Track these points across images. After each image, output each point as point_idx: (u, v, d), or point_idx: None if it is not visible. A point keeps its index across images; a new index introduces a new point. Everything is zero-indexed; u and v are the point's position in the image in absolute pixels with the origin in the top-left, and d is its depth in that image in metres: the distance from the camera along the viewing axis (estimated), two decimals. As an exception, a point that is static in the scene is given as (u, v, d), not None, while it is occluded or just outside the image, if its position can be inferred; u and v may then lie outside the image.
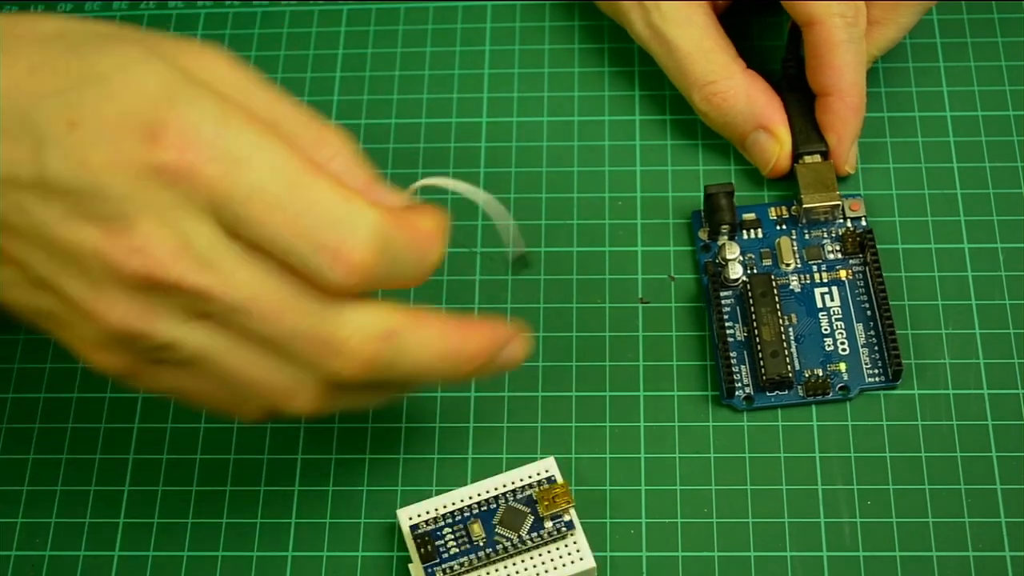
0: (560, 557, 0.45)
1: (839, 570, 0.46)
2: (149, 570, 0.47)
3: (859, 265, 0.50)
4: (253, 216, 0.37)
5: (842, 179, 0.53)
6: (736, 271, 0.50)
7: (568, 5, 0.58)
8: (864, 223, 0.51)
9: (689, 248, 0.52)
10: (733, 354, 0.49)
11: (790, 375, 0.48)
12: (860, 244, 0.50)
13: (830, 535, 0.46)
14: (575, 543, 0.45)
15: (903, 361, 0.48)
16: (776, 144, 0.52)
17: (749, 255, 0.51)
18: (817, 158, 0.52)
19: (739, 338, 0.49)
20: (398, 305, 0.40)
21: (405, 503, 0.47)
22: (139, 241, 0.37)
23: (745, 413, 0.49)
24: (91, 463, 0.49)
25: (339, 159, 0.40)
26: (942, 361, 0.49)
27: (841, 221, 0.51)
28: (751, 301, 0.49)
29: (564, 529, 0.45)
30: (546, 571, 0.45)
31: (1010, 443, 0.47)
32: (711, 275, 0.50)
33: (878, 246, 0.50)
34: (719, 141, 0.54)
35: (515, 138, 0.55)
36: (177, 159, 0.36)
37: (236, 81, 0.39)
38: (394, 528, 0.47)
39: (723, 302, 0.50)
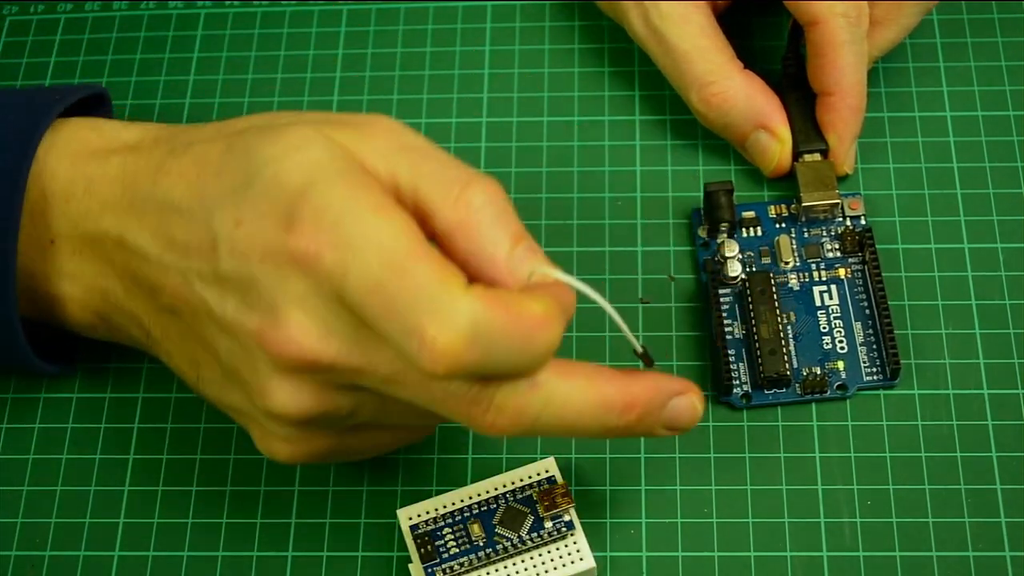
0: (560, 557, 0.45)
1: (839, 570, 0.46)
2: (149, 570, 0.47)
3: (858, 264, 0.50)
4: (358, 300, 0.38)
5: (842, 178, 0.53)
6: (735, 269, 0.50)
7: (568, 5, 0.58)
8: (863, 222, 0.51)
9: (689, 248, 0.52)
10: (731, 352, 0.49)
11: (788, 373, 0.48)
12: (859, 243, 0.50)
13: (830, 535, 0.46)
14: (575, 543, 0.45)
15: (902, 361, 0.48)
16: (777, 144, 0.52)
17: (748, 253, 0.51)
18: (817, 157, 0.52)
19: (737, 336, 0.49)
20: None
21: (405, 503, 0.47)
22: (288, 333, 0.39)
23: (745, 412, 0.49)
24: (91, 463, 0.49)
25: (485, 211, 0.40)
26: (942, 361, 0.49)
27: (840, 220, 0.51)
28: (749, 299, 0.49)
29: (564, 529, 0.45)
30: (546, 571, 0.45)
31: (1010, 443, 0.47)
32: (710, 273, 0.50)
33: (878, 246, 0.50)
34: (719, 141, 0.54)
35: (515, 138, 0.55)
36: (306, 246, 0.38)
37: (390, 150, 0.41)
38: (394, 528, 0.47)
39: (722, 300, 0.50)
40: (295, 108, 0.56)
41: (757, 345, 0.48)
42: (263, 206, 0.39)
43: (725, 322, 0.49)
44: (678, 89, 0.53)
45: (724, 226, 0.51)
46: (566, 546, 0.45)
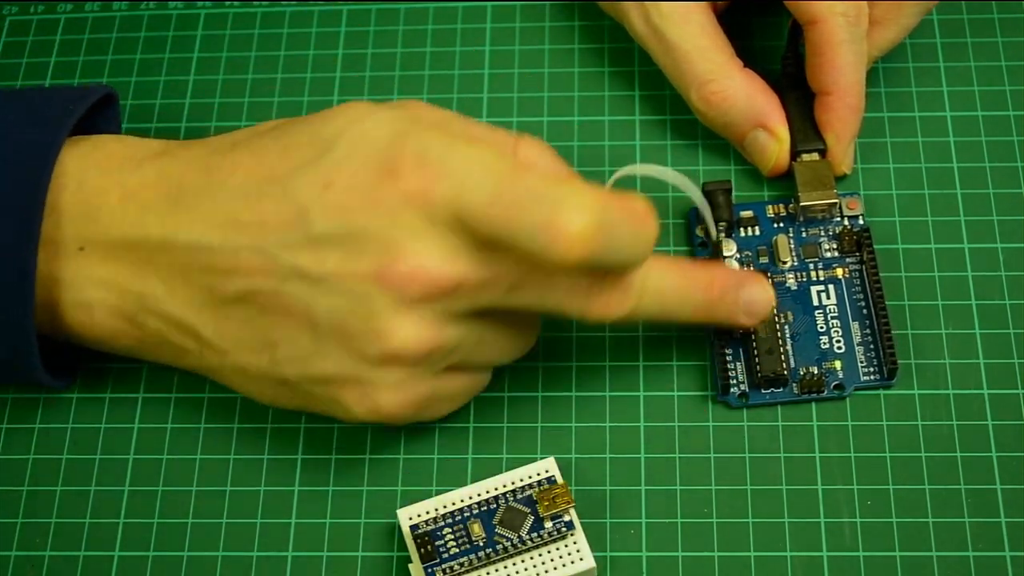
0: (560, 557, 0.45)
1: (839, 570, 0.46)
2: (149, 570, 0.47)
3: (856, 264, 0.50)
4: (481, 216, 0.41)
5: (841, 178, 0.53)
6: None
7: (568, 5, 0.58)
8: (861, 221, 0.51)
9: (688, 248, 0.52)
10: (729, 351, 0.49)
11: (785, 373, 0.48)
12: (857, 243, 0.50)
13: (830, 535, 0.46)
14: (575, 543, 0.45)
15: (901, 361, 0.48)
16: (776, 143, 0.52)
17: (746, 253, 0.51)
18: (815, 156, 0.52)
19: (735, 335, 0.49)
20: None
21: (405, 503, 0.47)
22: (413, 261, 0.42)
23: (745, 412, 0.49)
24: (91, 463, 0.49)
25: (541, 161, 0.45)
26: (942, 361, 0.49)
27: (838, 219, 0.51)
28: None
29: (564, 529, 0.45)
30: (546, 571, 0.45)
31: (1010, 443, 0.47)
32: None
33: (878, 246, 0.50)
34: (719, 141, 0.54)
35: (515, 138, 0.55)
36: (416, 185, 0.41)
37: (439, 116, 0.45)
38: (394, 528, 0.47)
39: None
40: (295, 108, 0.56)
41: (754, 345, 0.48)
42: (353, 165, 0.42)
43: None
44: (678, 88, 0.53)
45: (722, 225, 0.51)
46: (566, 546, 0.45)
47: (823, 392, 0.48)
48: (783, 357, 0.48)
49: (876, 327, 0.49)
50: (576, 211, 0.41)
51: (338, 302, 0.42)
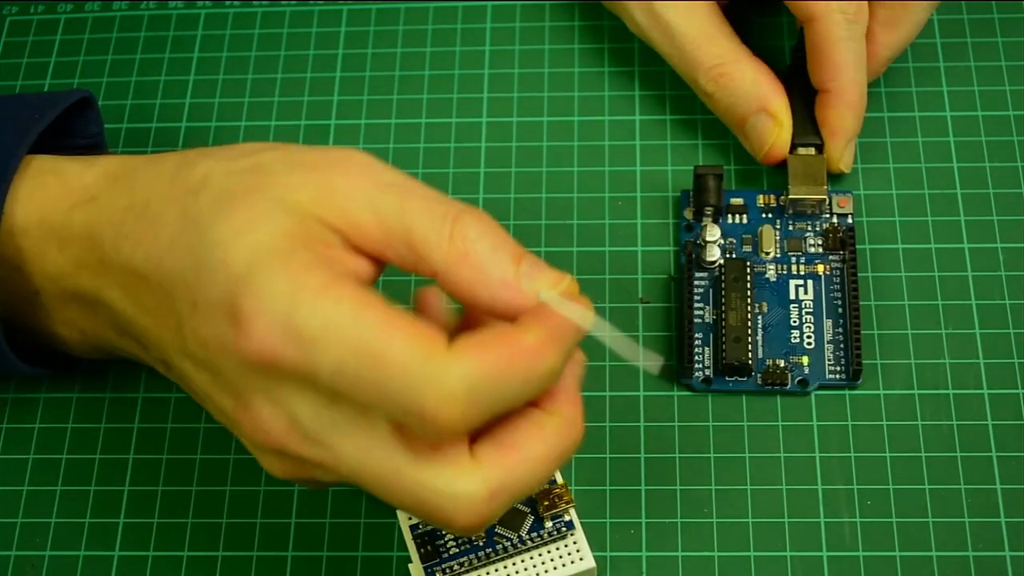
0: (560, 557, 0.45)
1: (839, 570, 0.46)
2: (149, 570, 0.47)
3: (838, 262, 0.50)
4: (341, 387, 0.37)
5: (840, 177, 0.53)
6: (713, 253, 0.50)
7: (568, 5, 0.58)
8: (850, 220, 0.51)
9: (675, 221, 0.52)
10: (698, 335, 0.49)
11: (749, 362, 0.48)
12: (841, 241, 0.50)
13: (830, 535, 0.46)
14: (575, 543, 0.45)
15: (899, 361, 0.48)
16: (776, 127, 0.51)
17: (731, 240, 0.51)
18: (811, 151, 0.51)
19: (707, 320, 0.49)
20: (498, 446, 0.39)
21: (405, 503, 0.47)
22: (258, 419, 0.39)
23: (745, 412, 0.49)
24: (91, 463, 0.49)
25: (478, 246, 0.39)
26: (942, 361, 0.49)
27: (827, 216, 0.51)
28: (723, 285, 0.49)
29: (564, 529, 0.45)
30: (546, 571, 0.45)
31: (1010, 443, 0.47)
32: (688, 254, 0.50)
33: (877, 245, 0.50)
34: (719, 141, 0.54)
35: (515, 138, 0.55)
36: (258, 348, 0.38)
37: (371, 189, 0.40)
38: (394, 528, 0.47)
39: (696, 283, 0.50)
40: (295, 107, 0.56)
41: (723, 332, 0.48)
42: (213, 293, 0.39)
43: (696, 306, 0.50)
44: (684, 75, 0.53)
45: (709, 210, 0.51)
46: (566, 546, 0.45)
47: (786, 386, 0.48)
48: (750, 347, 0.48)
49: (848, 327, 0.49)
50: (443, 395, 0.36)
51: (215, 411, 0.42)
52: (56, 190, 0.44)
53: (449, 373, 0.37)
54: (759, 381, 0.48)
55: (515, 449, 0.39)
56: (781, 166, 0.52)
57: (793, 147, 0.52)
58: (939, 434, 0.48)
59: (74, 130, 0.49)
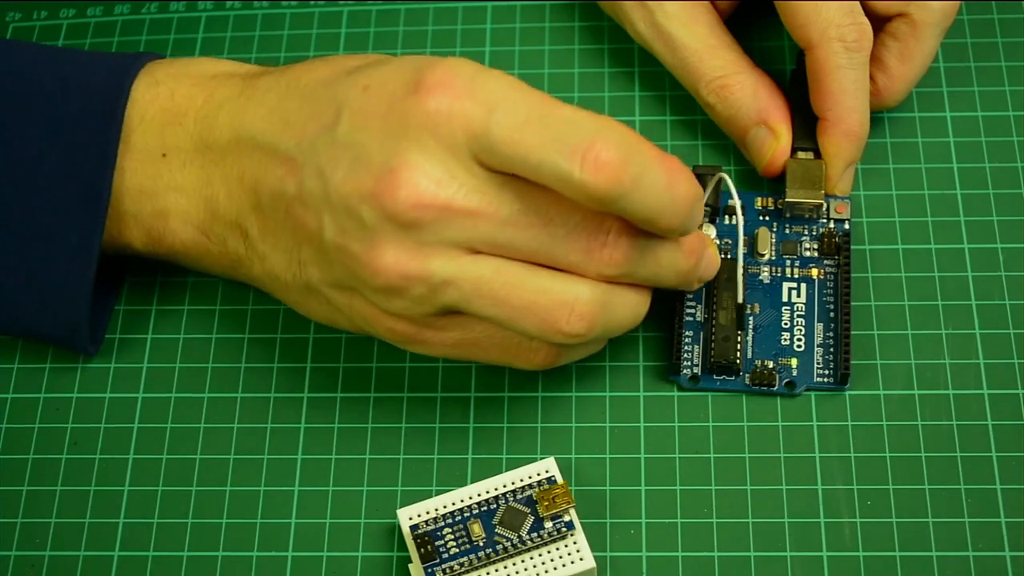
0: (560, 557, 0.45)
1: (839, 570, 0.46)
2: (149, 570, 0.47)
3: (833, 267, 0.50)
4: (507, 139, 0.41)
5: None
6: None
7: (568, 6, 0.58)
8: (847, 226, 0.51)
9: None
10: (688, 333, 0.49)
11: (737, 362, 0.48)
12: (837, 246, 0.50)
13: (830, 535, 0.46)
14: (575, 543, 0.45)
15: (900, 360, 0.48)
16: (774, 141, 0.51)
17: (727, 240, 0.51)
18: (810, 155, 0.51)
19: (698, 319, 0.49)
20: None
21: (405, 503, 0.47)
22: (405, 177, 0.42)
23: (745, 412, 0.49)
24: (91, 463, 0.49)
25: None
26: (942, 361, 0.49)
27: (824, 221, 0.51)
28: (714, 284, 0.49)
29: (564, 529, 0.45)
30: (546, 571, 0.45)
31: (1010, 443, 0.47)
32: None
33: (877, 245, 0.50)
34: (719, 142, 0.54)
35: (515, 139, 0.55)
36: (437, 104, 0.42)
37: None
38: (394, 528, 0.47)
39: None
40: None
41: (713, 331, 0.48)
42: (392, 74, 0.43)
43: (688, 304, 0.50)
44: (687, 86, 0.53)
45: (707, 210, 0.51)
46: (566, 546, 0.45)
47: (774, 387, 0.48)
48: (739, 347, 0.48)
49: (839, 331, 0.49)
50: (611, 141, 0.40)
51: (339, 219, 0.43)
52: (190, 65, 0.49)
53: (618, 126, 0.41)
54: (747, 381, 0.49)
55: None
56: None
57: (793, 151, 0.52)
58: (939, 434, 0.48)
59: None
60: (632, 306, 0.45)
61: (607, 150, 0.40)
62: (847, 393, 0.49)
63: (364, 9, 0.59)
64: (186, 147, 0.47)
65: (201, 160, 0.47)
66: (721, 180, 0.49)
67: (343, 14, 0.59)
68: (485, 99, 0.41)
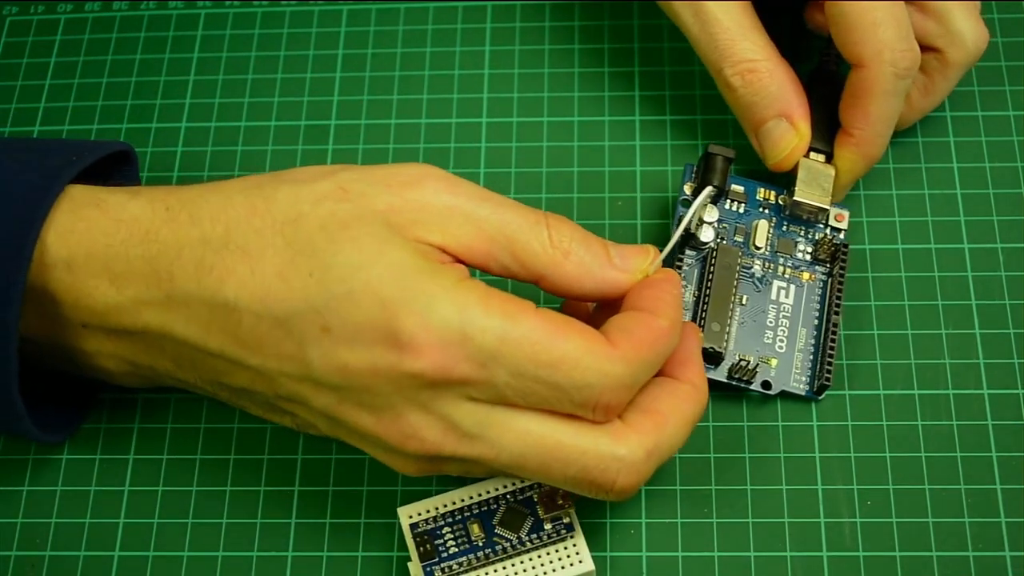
0: (559, 559, 0.45)
1: (839, 570, 0.46)
2: (149, 570, 0.47)
3: (824, 274, 0.50)
4: (515, 391, 0.41)
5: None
6: (708, 234, 0.49)
7: (568, 5, 0.58)
8: (843, 236, 0.51)
9: (673, 195, 0.52)
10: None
11: (723, 352, 0.48)
12: (832, 255, 0.50)
13: (830, 535, 0.46)
14: (574, 546, 0.45)
15: (900, 360, 0.48)
16: (795, 136, 0.50)
17: (723, 226, 0.51)
18: (822, 158, 0.51)
19: (686, 298, 0.49)
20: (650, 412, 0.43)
21: (405, 503, 0.47)
22: (410, 429, 0.41)
23: (745, 412, 0.49)
24: (91, 463, 0.49)
25: (575, 245, 0.43)
26: (942, 361, 0.49)
27: (821, 226, 0.51)
28: (712, 268, 0.49)
29: (564, 531, 0.45)
30: (545, 573, 0.45)
31: (1010, 443, 0.47)
32: (685, 229, 0.49)
33: (877, 245, 0.50)
34: (719, 142, 0.54)
35: (515, 138, 0.55)
36: (431, 366, 0.40)
37: (463, 211, 0.42)
38: (394, 528, 0.47)
39: (684, 260, 0.50)
40: (295, 108, 0.56)
41: (703, 315, 0.48)
42: (358, 317, 0.40)
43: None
44: (708, 63, 0.52)
45: (712, 190, 0.50)
46: (565, 548, 0.45)
47: (751, 384, 0.48)
48: (726, 338, 0.48)
49: (822, 343, 0.49)
50: (614, 389, 0.41)
51: (333, 425, 0.43)
52: (102, 223, 0.44)
53: (615, 366, 0.41)
54: (725, 373, 0.48)
55: (660, 414, 0.43)
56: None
57: (808, 150, 0.51)
58: (939, 434, 0.48)
59: (110, 179, 0.49)
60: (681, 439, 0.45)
61: (616, 399, 0.41)
62: (847, 393, 0.49)
63: (364, 8, 0.59)
64: (107, 327, 0.44)
65: (132, 339, 0.44)
66: (730, 163, 0.49)
67: (343, 12, 0.59)
68: (483, 360, 0.40)
